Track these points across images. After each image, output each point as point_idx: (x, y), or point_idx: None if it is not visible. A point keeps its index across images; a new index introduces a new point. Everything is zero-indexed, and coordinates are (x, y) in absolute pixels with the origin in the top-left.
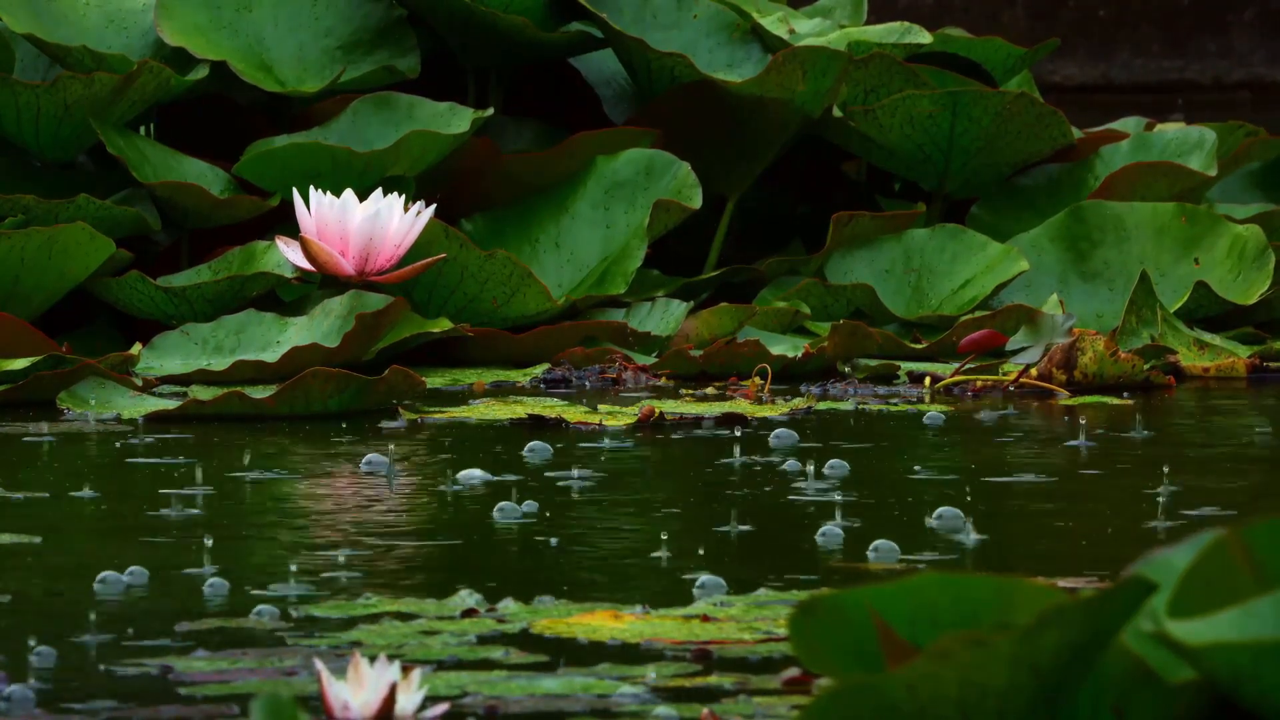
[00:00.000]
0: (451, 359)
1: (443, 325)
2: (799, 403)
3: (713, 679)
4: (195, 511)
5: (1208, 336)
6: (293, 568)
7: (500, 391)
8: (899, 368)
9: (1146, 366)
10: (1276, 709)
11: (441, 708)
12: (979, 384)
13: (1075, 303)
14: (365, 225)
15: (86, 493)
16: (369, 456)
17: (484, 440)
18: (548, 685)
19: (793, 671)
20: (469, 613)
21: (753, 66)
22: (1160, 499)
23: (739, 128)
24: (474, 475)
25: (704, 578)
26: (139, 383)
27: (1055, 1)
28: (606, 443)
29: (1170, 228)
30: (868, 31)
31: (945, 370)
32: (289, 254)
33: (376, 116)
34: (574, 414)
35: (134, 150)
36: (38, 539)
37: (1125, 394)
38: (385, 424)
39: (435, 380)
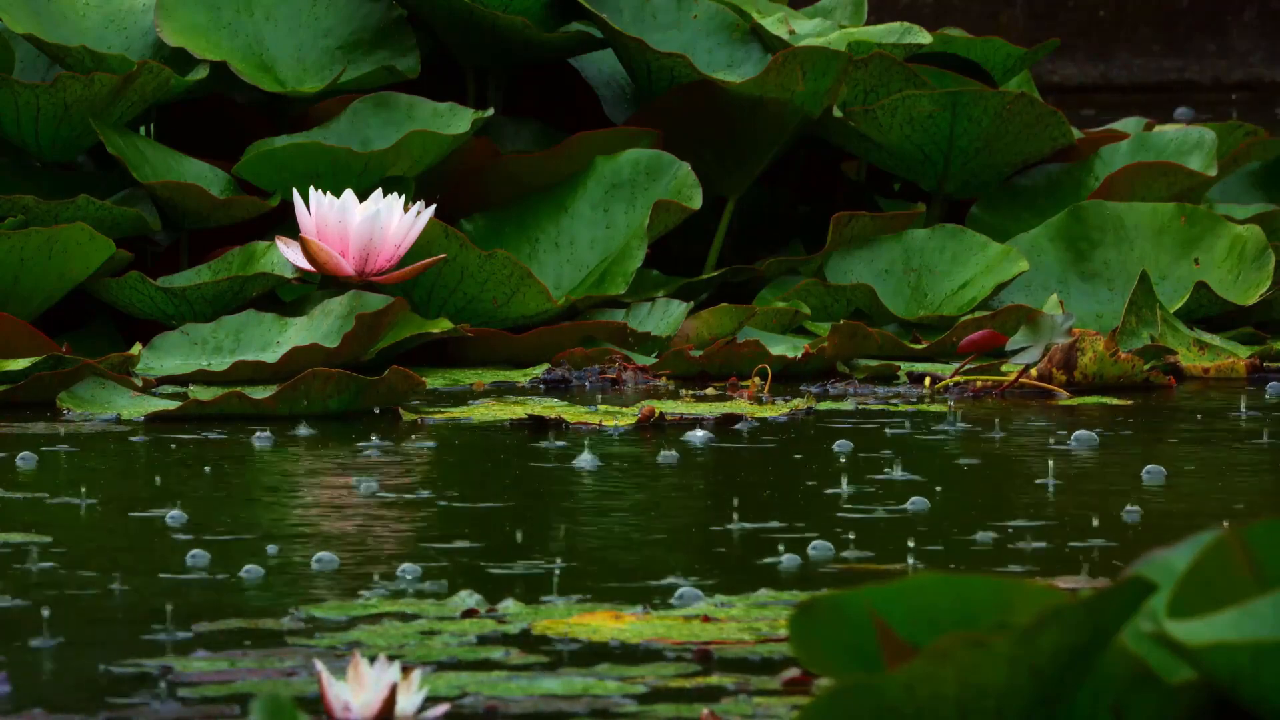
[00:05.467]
0: (451, 359)
1: (442, 325)
2: (799, 403)
3: (713, 679)
4: (195, 511)
5: (1207, 337)
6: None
7: (500, 392)
8: (899, 368)
9: (1146, 367)
10: (1275, 709)
11: (442, 708)
12: (979, 384)
13: (1075, 303)
14: (365, 225)
15: (86, 492)
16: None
17: (485, 439)
18: (548, 685)
19: (793, 672)
20: (469, 613)
21: (752, 67)
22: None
23: (739, 128)
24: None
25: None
26: (139, 383)
27: (1055, 2)
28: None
29: (1170, 228)
30: (868, 32)
31: (945, 371)
32: (289, 254)
33: (376, 117)
34: (574, 414)
35: (134, 150)
36: (42, 539)
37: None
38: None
39: (435, 380)
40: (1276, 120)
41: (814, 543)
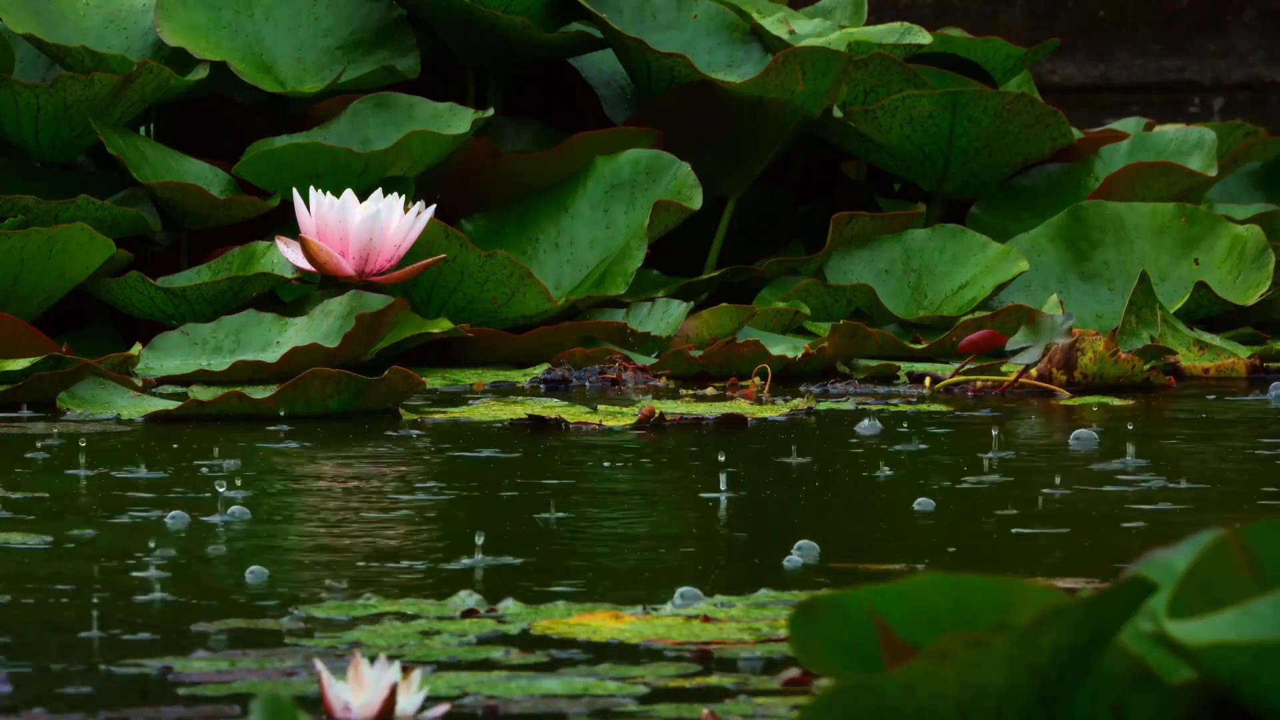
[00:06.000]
0: (451, 359)
1: (442, 326)
2: (799, 403)
3: (713, 679)
4: (195, 512)
5: (1207, 337)
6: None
7: (500, 392)
8: (899, 368)
9: (1146, 367)
10: (1275, 709)
11: (442, 708)
12: (979, 384)
13: (1075, 303)
14: (365, 225)
15: (85, 493)
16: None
17: (484, 439)
18: (548, 685)
19: (793, 672)
20: (469, 613)
21: (752, 67)
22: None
23: (739, 128)
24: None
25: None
26: (139, 383)
27: (1055, 2)
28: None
29: (1170, 228)
30: (868, 32)
31: (945, 371)
32: (289, 254)
33: (376, 117)
34: (574, 414)
35: (134, 150)
36: (42, 539)
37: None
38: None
39: (434, 381)
40: (1277, 120)
41: (814, 543)
